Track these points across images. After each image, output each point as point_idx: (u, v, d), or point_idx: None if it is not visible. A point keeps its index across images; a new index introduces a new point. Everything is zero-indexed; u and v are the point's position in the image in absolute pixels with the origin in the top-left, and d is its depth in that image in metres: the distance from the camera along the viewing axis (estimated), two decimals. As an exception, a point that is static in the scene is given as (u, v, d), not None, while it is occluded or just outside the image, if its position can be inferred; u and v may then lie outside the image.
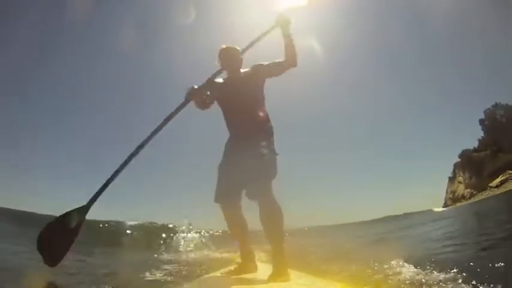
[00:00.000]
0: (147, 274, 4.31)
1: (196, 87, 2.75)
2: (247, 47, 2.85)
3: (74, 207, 2.55)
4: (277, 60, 2.78)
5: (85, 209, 2.53)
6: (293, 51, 2.74)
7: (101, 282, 3.62)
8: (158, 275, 4.32)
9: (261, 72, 2.82)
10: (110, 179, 2.62)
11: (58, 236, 2.48)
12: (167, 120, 2.75)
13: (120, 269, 5.18)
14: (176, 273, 4.46)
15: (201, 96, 2.78)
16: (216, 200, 2.65)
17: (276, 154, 2.67)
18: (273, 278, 2.30)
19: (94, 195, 2.58)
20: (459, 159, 69.97)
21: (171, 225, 13.29)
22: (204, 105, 2.82)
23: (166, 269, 4.84)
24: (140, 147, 2.68)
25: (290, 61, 2.75)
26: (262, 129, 2.72)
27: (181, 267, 5.12)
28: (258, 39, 2.87)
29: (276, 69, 2.80)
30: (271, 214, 2.47)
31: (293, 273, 2.48)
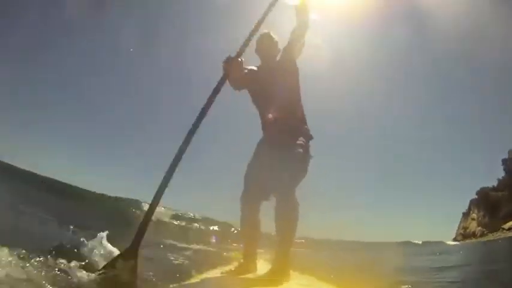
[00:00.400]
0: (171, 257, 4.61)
1: (233, 56, 2.55)
2: (254, 31, 2.59)
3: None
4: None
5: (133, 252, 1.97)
6: (306, 14, 2.60)
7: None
8: (180, 259, 4.60)
9: (292, 50, 2.64)
10: (162, 186, 2.20)
11: None
12: (208, 105, 2.47)
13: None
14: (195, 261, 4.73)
15: (240, 66, 2.59)
16: (242, 202, 2.58)
17: (311, 157, 2.56)
18: (271, 273, 2.27)
19: (142, 226, 2.08)
20: (476, 196, 68.12)
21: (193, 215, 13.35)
22: (241, 80, 2.64)
23: (186, 255, 5.18)
24: (190, 136, 2.38)
25: (301, 20, 2.60)
26: (300, 132, 2.57)
27: (198, 257, 5.44)
28: (265, 14, 2.62)
29: (295, 37, 2.62)
30: (288, 213, 2.36)
31: (294, 274, 2.44)
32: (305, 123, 2.64)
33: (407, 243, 35.42)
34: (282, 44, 2.73)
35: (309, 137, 2.59)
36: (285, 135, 2.51)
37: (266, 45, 2.69)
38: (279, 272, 2.29)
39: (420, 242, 39.85)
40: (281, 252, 2.35)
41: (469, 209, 68.67)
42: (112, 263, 1.98)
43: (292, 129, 2.55)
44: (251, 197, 2.54)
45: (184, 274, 3.16)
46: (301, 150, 2.46)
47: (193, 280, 2.79)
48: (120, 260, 1.96)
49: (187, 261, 4.48)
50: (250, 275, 2.48)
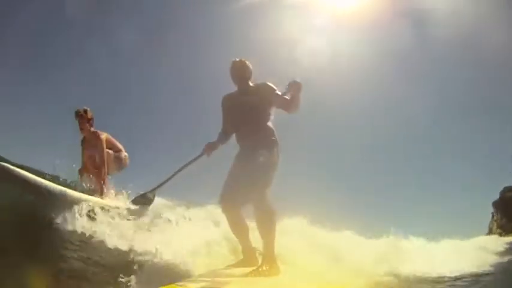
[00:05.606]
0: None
1: (211, 143, 3.17)
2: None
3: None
4: (286, 97, 2.99)
5: None
6: (297, 102, 3.00)
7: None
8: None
9: (268, 97, 3.02)
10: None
11: None
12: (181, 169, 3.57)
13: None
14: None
15: (214, 149, 3.18)
16: (220, 203, 2.88)
17: (275, 165, 2.92)
18: (260, 268, 2.58)
19: None
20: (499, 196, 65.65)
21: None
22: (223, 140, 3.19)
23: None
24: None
25: (294, 107, 3.00)
26: (266, 139, 2.96)
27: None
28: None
29: (281, 103, 3.00)
30: (264, 217, 2.75)
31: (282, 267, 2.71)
32: (273, 134, 3.04)
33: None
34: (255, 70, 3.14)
35: (274, 144, 2.99)
36: (254, 141, 2.95)
37: (238, 67, 3.08)
38: (267, 263, 2.66)
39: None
40: (266, 249, 2.75)
41: (494, 211, 66.53)
42: (142, 195, 4.05)
43: (260, 137, 2.97)
44: (231, 201, 2.84)
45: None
46: (263, 159, 2.84)
47: (198, 274, 2.89)
48: (147, 194, 4.06)
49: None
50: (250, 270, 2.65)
